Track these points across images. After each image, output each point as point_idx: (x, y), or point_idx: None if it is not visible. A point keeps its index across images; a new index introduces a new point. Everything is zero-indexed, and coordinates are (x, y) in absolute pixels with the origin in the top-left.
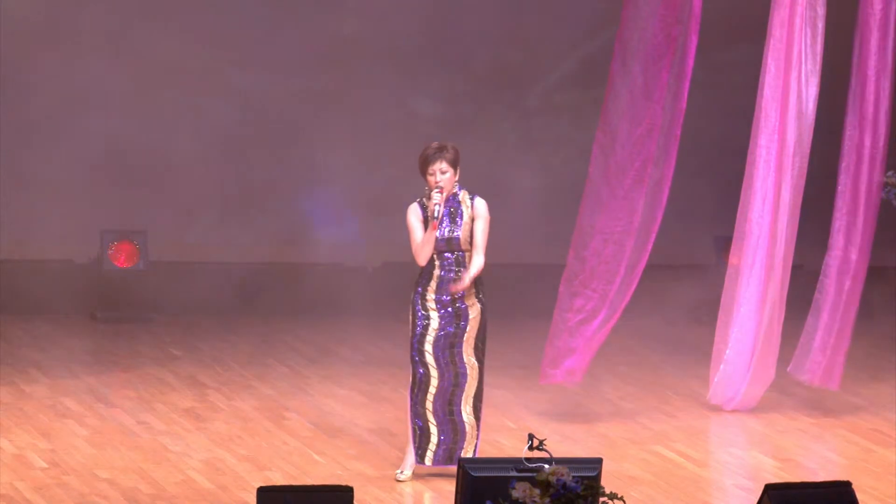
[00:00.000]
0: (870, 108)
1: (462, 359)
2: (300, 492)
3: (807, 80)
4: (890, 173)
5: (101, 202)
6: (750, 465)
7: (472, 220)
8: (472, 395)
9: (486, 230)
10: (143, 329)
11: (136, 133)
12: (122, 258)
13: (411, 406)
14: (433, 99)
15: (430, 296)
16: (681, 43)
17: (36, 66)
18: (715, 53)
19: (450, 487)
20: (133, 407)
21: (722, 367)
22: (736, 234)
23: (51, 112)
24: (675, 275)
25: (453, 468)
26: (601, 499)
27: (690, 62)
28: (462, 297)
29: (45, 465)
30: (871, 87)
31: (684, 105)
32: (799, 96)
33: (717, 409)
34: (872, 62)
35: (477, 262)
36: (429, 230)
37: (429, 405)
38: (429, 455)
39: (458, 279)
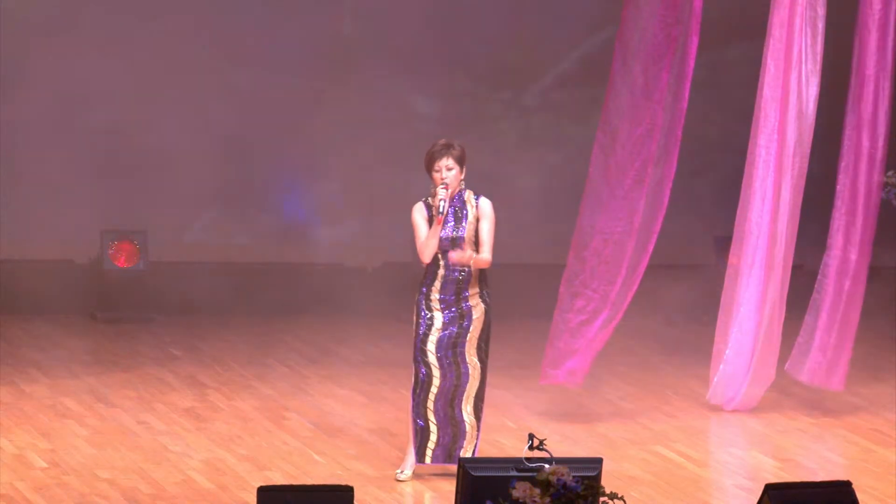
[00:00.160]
0: (869, 108)
1: (465, 358)
2: (300, 491)
3: (807, 80)
4: (890, 173)
5: (101, 202)
6: (750, 465)
7: (477, 220)
8: (474, 394)
9: (493, 230)
10: (143, 329)
11: (137, 133)
12: (122, 258)
13: (413, 405)
14: (433, 98)
15: (435, 296)
16: (681, 43)
17: (36, 66)
18: (713, 52)
19: (450, 487)
20: (133, 407)
21: (722, 367)
22: (736, 234)
23: (51, 112)
24: (675, 275)
25: (453, 467)
26: (601, 499)
27: (691, 62)
28: (466, 297)
29: (45, 465)
30: (870, 88)
31: (685, 105)
32: (799, 96)
33: (717, 409)
34: (872, 62)
35: (484, 256)
36: (433, 226)
37: (430, 405)
38: (428, 454)
39: (463, 277)
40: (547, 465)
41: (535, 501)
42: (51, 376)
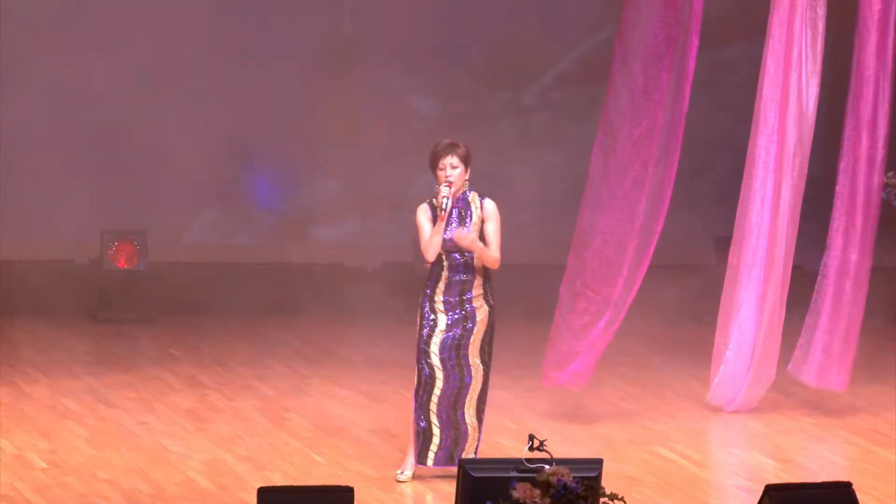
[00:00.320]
0: (869, 109)
1: (468, 360)
2: (300, 492)
3: (807, 81)
4: (890, 174)
5: (101, 202)
6: (750, 466)
7: (482, 221)
8: (476, 397)
9: (499, 230)
10: (143, 329)
11: (137, 133)
12: (122, 258)
13: (415, 407)
14: (432, 97)
15: (439, 297)
16: (681, 43)
17: (36, 66)
18: (713, 52)
19: (450, 488)
20: (133, 407)
21: (722, 367)
22: (735, 235)
23: (51, 112)
24: (675, 275)
25: (454, 469)
26: (601, 499)
27: (692, 63)
28: (470, 299)
29: (45, 465)
30: (870, 88)
31: (686, 106)
32: (799, 97)
33: (717, 409)
34: (872, 62)
35: (492, 252)
36: (437, 223)
37: (433, 407)
38: (430, 456)
39: (467, 279)
40: (547, 466)
41: (535, 502)
42: (51, 377)
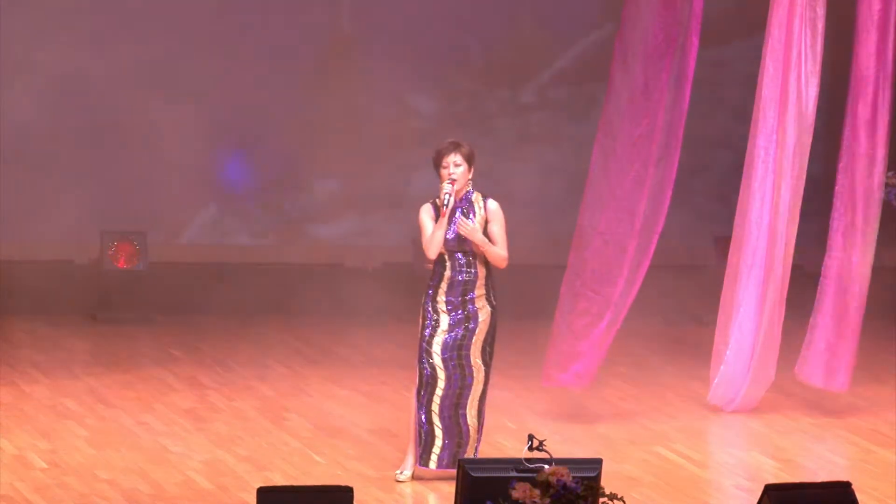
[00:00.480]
0: (869, 109)
1: (469, 361)
2: (300, 492)
3: (807, 81)
4: (890, 173)
5: (100, 202)
6: (750, 466)
7: (486, 222)
8: (478, 398)
9: (504, 229)
10: (143, 330)
11: (136, 133)
12: (122, 258)
13: (417, 408)
14: (431, 96)
15: (441, 297)
16: (681, 43)
17: (35, 66)
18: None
19: (450, 488)
20: (133, 407)
21: (722, 367)
22: (735, 235)
23: (50, 111)
24: (675, 275)
25: (453, 470)
26: (601, 499)
27: (692, 63)
28: (473, 299)
29: (45, 465)
30: (870, 88)
31: (686, 106)
32: (799, 97)
33: (717, 409)
34: (872, 62)
35: (500, 250)
36: (439, 219)
37: (435, 408)
38: (433, 459)
39: (469, 279)
40: (547, 466)
41: (534, 502)
42: (51, 377)
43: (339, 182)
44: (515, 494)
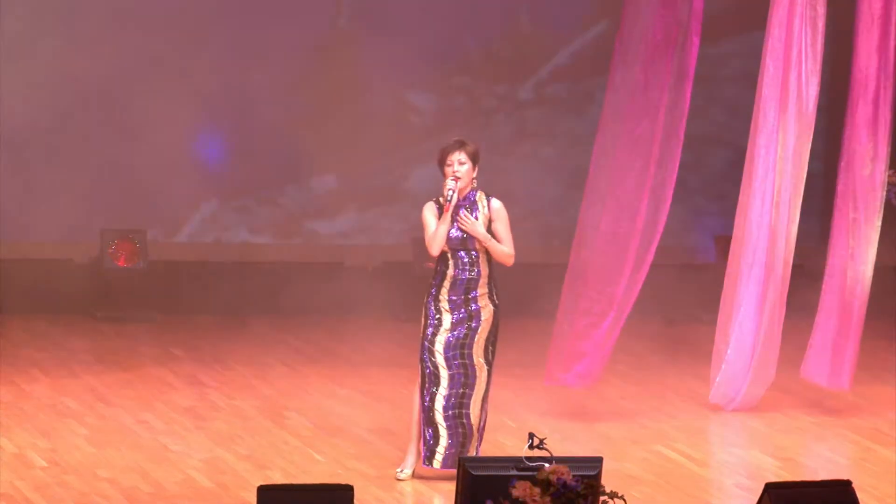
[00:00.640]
0: (870, 108)
1: (472, 360)
2: (300, 491)
3: (807, 80)
4: (890, 172)
5: (100, 201)
6: (750, 465)
7: (490, 221)
8: (481, 397)
9: (508, 227)
10: (143, 328)
11: (136, 132)
12: (122, 257)
13: (421, 408)
14: (428, 92)
15: (444, 296)
16: (681, 43)
17: (35, 66)
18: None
19: (450, 486)
20: (133, 406)
21: (723, 366)
22: (735, 234)
23: (50, 111)
24: (675, 275)
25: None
26: (601, 498)
27: (692, 62)
28: (475, 298)
29: (45, 464)
30: (871, 87)
31: (687, 105)
32: (799, 96)
33: (717, 408)
34: (873, 61)
35: (505, 248)
36: (442, 215)
37: (438, 407)
38: (437, 459)
39: (472, 277)
40: (547, 465)
41: (535, 501)
42: (51, 376)
43: (337, 178)
44: (516, 493)
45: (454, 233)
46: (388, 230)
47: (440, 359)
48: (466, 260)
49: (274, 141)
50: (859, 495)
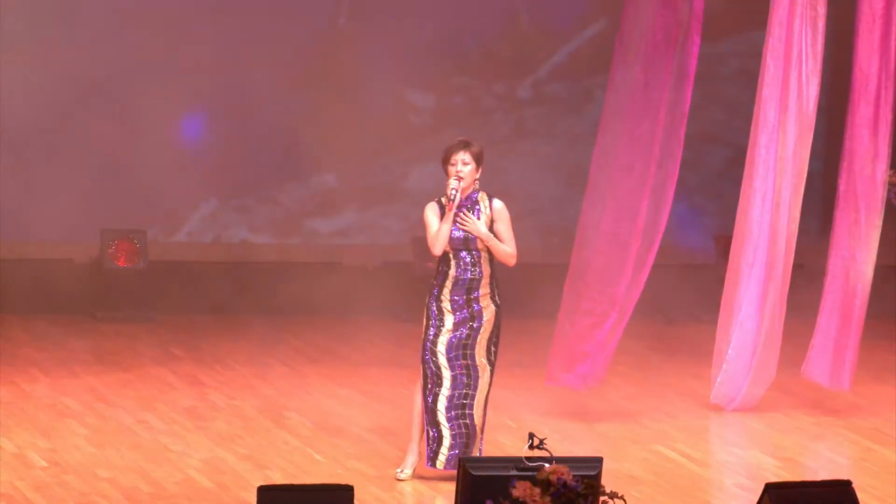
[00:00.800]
0: (871, 108)
1: (474, 361)
2: (300, 491)
3: (807, 80)
4: (891, 172)
5: (101, 201)
6: (750, 465)
7: (492, 221)
8: (484, 398)
9: (510, 227)
10: (143, 328)
11: (136, 132)
12: (122, 257)
13: (424, 409)
14: (427, 91)
15: (446, 296)
16: (681, 43)
17: (35, 67)
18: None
19: (450, 487)
20: (133, 406)
21: (724, 366)
22: (736, 234)
23: (52, 113)
24: (675, 275)
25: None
26: (601, 498)
27: (693, 62)
28: (477, 298)
29: (45, 464)
30: (872, 86)
31: (687, 106)
32: (800, 95)
33: (717, 408)
34: (874, 61)
35: (507, 247)
36: (445, 214)
37: (441, 408)
38: (440, 459)
39: (474, 277)
40: (547, 465)
41: (535, 501)
42: (51, 376)
43: (337, 177)
44: (516, 493)
45: (456, 233)
46: (387, 229)
47: (442, 359)
48: (468, 260)
49: (273, 139)
50: (859, 495)
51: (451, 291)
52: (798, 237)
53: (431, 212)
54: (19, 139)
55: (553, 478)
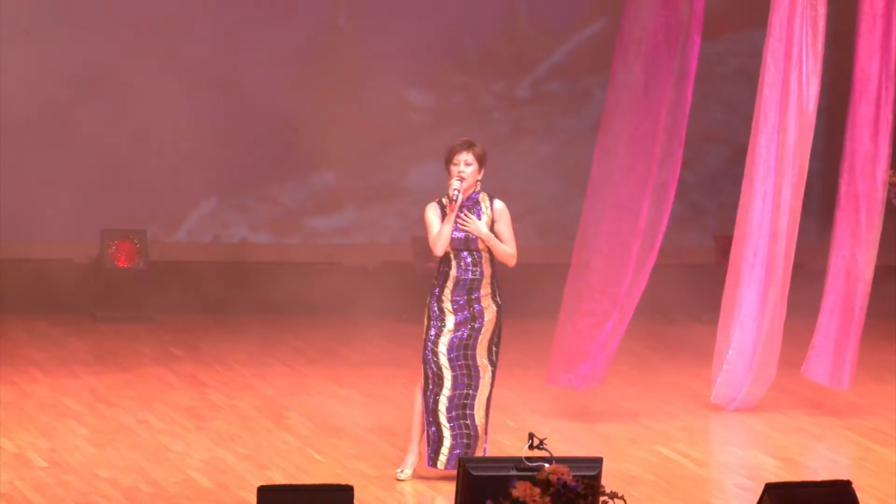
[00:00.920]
0: (871, 108)
1: (476, 361)
2: (300, 491)
3: (808, 80)
4: (891, 172)
5: (101, 201)
6: (750, 465)
7: (493, 222)
8: (485, 399)
9: (511, 228)
10: (143, 328)
11: (136, 131)
12: (122, 257)
13: (425, 409)
14: (426, 89)
15: (447, 297)
16: (682, 43)
17: (34, 66)
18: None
19: (450, 487)
20: (133, 406)
21: (725, 366)
22: (736, 234)
23: (51, 111)
24: (675, 275)
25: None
26: (601, 498)
27: (693, 62)
28: (478, 298)
29: (45, 464)
30: (872, 86)
31: (688, 106)
32: (800, 96)
33: (717, 408)
34: (874, 61)
35: (507, 248)
36: (447, 215)
37: (442, 408)
38: (441, 459)
39: (475, 278)
40: (547, 465)
41: (535, 501)
42: (51, 376)
43: (336, 175)
44: (516, 493)
45: (457, 233)
46: (387, 227)
47: (444, 360)
48: (469, 260)
49: (273, 138)
50: (859, 495)
51: (452, 292)
52: (798, 237)
53: (432, 212)
54: (19, 139)
55: (553, 478)
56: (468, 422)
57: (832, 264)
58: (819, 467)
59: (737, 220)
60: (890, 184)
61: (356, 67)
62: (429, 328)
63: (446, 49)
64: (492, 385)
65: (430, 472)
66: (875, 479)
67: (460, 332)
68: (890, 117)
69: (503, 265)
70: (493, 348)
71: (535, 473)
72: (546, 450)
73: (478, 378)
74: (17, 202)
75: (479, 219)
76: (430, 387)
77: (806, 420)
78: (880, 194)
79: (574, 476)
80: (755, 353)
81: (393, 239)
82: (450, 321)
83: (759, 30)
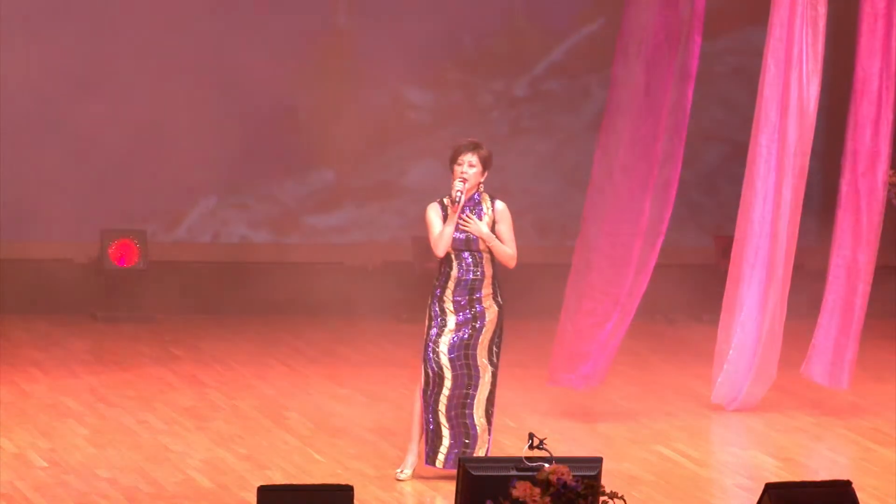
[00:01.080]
0: (872, 108)
1: (476, 361)
2: (300, 491)
3: (808, 80)
4: (891, 172)
5: (101, 201)
6: (750, 465)
7: (494, 222)
8: (485, 398)
9: (512, 229)
10: (143, 328)
11: (136, 131)
12: (122, 257)
13: (424, 408)
14: (425, 88)
15: (448, 297)
16: (683, 43)
17: (33, 66)
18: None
19: (450, 487)
20: (133, 406)
21: (725, 366)
22: (737, 235)
23: (51, 110)
24: (676, 275)
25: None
26: (601, 498)
27: (694, 62)
28: (480, 299)
29: (45, 464)
30: (873, 86)
31: (689, 106)
32: (800, 96)
33: (717, 408)
34: (875, 60)
35: (508, 249)
36: (448, 216)
37: (441, 408)
38: (440, 458)
39: (476, 278)
40: (547, 465)
41: (535, 501)
42: (51, 376)
43: (335, 173)
44: (516, 493)
45: (458, 234)
46: (386, 225)
47: (444, 360)
48: (470, 261)
49: (272, 137)
50: (859, 495)
51: (453, 292)
52: (798, 237)
53: (433, 213)
54: (19, 139)
55: (553, 478)
56: (467, 421)
57: (832, 264)
58: (819, 467)
59: (737, 220)
60: (890, 184)
61: (355, 66)
62: (430, 328)
63: (445, 48)
64: (492, 385)
65: (430, 471)
66: (875, 479)
67: (461, 333)
68: (890, 117)
69: (503, 265)
70: (494, 348)
71: (535, 473)
72: (546, 450)
73: (478, 378)
74: (17, 202)
75: (480, 219)
76: (431, 386)
77: (806, 420)
78: (881, 194)
79: (574, 476)
80: (756, 352)
81: (392, 237)
82: (451, 321)
83: (757, 28)
